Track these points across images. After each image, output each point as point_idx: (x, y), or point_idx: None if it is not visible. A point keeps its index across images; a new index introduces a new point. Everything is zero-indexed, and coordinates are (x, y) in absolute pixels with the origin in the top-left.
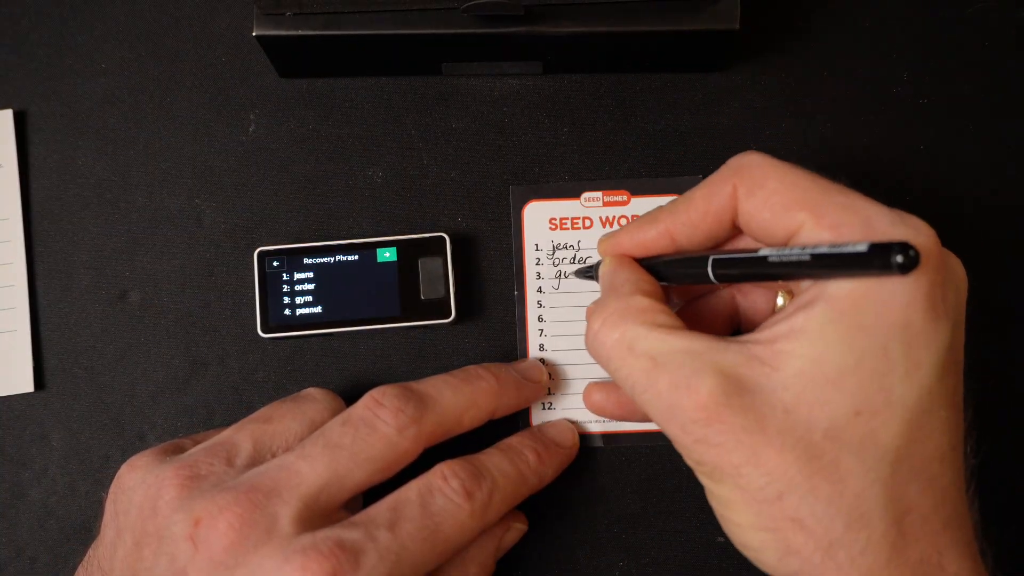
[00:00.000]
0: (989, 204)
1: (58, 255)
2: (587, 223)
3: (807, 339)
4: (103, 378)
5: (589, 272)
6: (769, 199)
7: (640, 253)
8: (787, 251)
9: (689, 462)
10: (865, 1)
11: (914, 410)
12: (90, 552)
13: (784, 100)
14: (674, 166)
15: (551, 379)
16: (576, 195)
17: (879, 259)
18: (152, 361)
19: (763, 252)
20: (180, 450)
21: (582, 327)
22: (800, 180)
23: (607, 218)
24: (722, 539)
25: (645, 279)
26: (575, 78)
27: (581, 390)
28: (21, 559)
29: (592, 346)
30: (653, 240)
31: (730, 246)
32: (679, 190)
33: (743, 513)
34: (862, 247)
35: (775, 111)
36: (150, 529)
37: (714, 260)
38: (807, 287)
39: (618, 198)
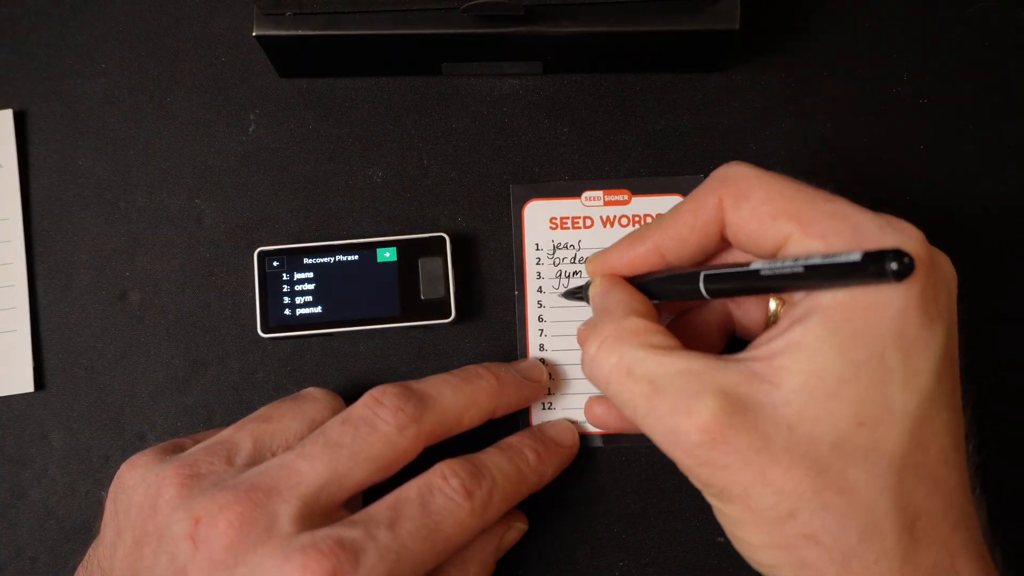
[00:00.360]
0: (989, 204)
1: (58, 255)
2: (588, 223)
3: (804, 353)
4: (103, 378)
5: (578, 293)
6: (756, 210)
7: (630, 272)
8: (779, 264)
9: (696, 484)
10: (865, 1)
11: (915, 416)
12: (90, 551)
13: (784, 100)
14: (674, 166)
15: (551, 379)
16: (577, 194)
17: (874, 267)
18: (152, 361)
19: (755, 266)
20: (180, 449)
21: None
22: (785, 190)
23: (608, 218)
24: (722, 539)
25: (638, 299)
26: (575, 78)
27: (581, 390)
28: (21, 559)
29: (590, 370)
30: (642, 258)
31: (720, 259)
32: (680, 189)
33: (754, 532)
34: (855, 256)
35: (775, 111)
36: (150, 528)
37: (705, 276)
38: (800, 298)
39: (619, 197)
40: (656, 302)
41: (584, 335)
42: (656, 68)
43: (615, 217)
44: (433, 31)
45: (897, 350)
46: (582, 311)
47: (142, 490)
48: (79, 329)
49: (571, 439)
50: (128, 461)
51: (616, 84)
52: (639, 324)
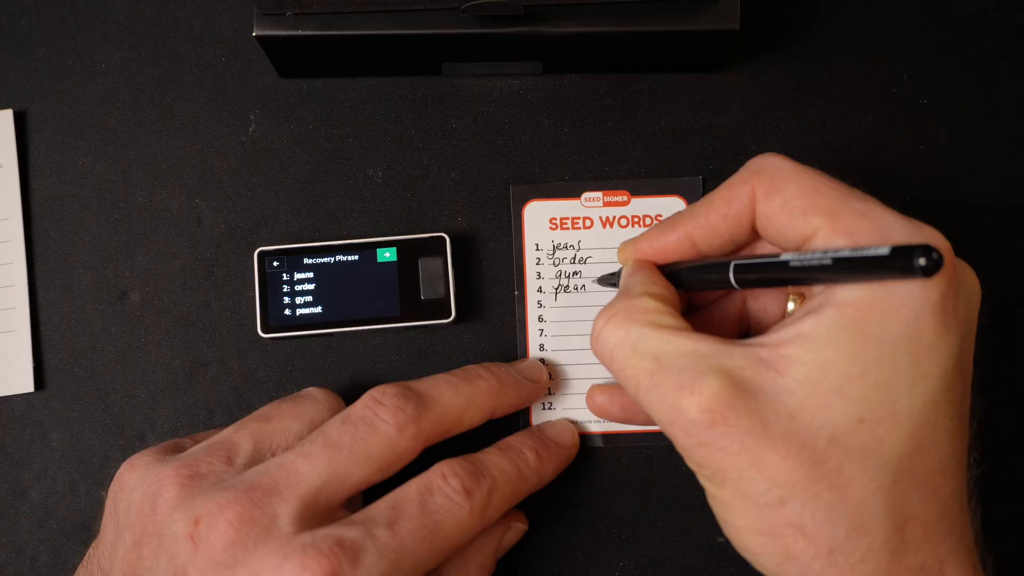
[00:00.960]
0: (989, 204)
1: (58, 255)
2: (587, 223)
3: (814, 345)
4: (103, 378)
5: (612, 280)
6: (788, 203)
7: (661, 259)
8: (808, 255)
9: (691, 465)
10: (865, 1)
11: (918, 421)
12: (90, 551)
13: (784, 100)
14: (674, 166)
15: (551, 379)
16: (576, 195)
17: (901, 262)
18: (152, 361)
19: (785, 257)
20: (180, 450)
21: (582, 327)
22: (819, 185)
23: (607, 218)
24: (722, 539)
25: (659, 283)
26: (575, 78)
27: (581, 390)
28: (21, 559)
29: (595, 345)
30: (674, 245)
31: (748, 251)
32: (680, 191)
33: (743, 517)
34: (884, 250)
35: (775, 111)
36: (150, 528)
37: (736, 265)
38: (818, 291)
39: (618, 198)
40: (682, 292)
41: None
42: (656, 68)
43: (614, 218)
44: (433, 31)
45: (908, 353)
46: (582, 311)
47: (142, 490)
48: (79, 329)
49: (571, 439)
50: (128, 461)
51: (616, 84)
52: (650, 304)
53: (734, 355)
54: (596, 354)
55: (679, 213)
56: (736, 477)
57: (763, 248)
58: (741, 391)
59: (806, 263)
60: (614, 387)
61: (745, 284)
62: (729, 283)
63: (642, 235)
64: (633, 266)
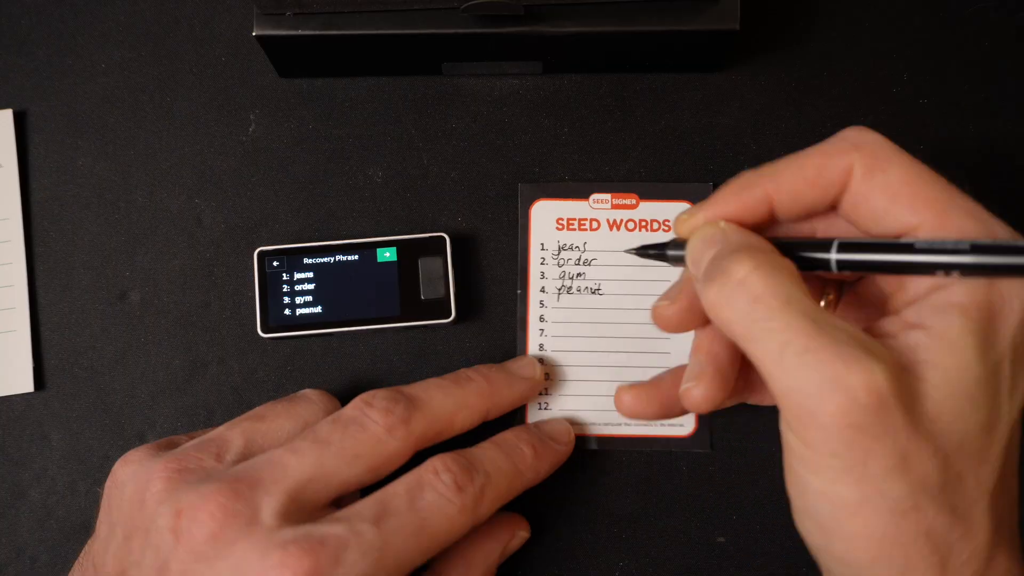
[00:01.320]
0: (989, 205)
1: (58, 255)
2: (594, 225)
3: (948, 349)
4: (103, 378)
5: (657, 249)
6: (890, 187)
7: (734, 222)
8: (941, 242)
9: (820, 453)
10: (865, 1)
11: (1012, 426)
12: (86, 547)
13: (784, 100)
14: (674, 166)
15: (548, 378)
16: (585, 196)
17: None
18: (152, 361)
19: (908, 239)
20: (174, 446)
21: (583, 328)
22: (924, 173)
23: (614, 221)
24: (722, 539)
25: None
26: (575, 78)
27: (579, 391)
28: (21, 559)
29: (733, 295)
30: (751, 208)
31: (808, 229)
32: (688, 196)
33: (866, 523)
34: None
35: (775, 111)
36: (138, 522)
37: (841, 244)
38: (926, 291)
39: (627, 201)
40: None
41: (709, 270)
42: (656, 68)
43: (622, 220)
44: (433, 31)
45: (1012, 360)
46: (584, 313)
47: (132, 485)
48: (79, 329)
49: (567, 436)
50: (122, 457)
51: (616, 84)
52: (794, 267)
53: (883, 349)
54: (723, 307)
55: (753, 172)
56: (881, 476)
57: (834, 227)
58: (901, 383)
59: (936, 247)
60: (642, 385)
61: (846, 266)
62: (824, 263)
63: (711, 198)
64: (730, 227)
